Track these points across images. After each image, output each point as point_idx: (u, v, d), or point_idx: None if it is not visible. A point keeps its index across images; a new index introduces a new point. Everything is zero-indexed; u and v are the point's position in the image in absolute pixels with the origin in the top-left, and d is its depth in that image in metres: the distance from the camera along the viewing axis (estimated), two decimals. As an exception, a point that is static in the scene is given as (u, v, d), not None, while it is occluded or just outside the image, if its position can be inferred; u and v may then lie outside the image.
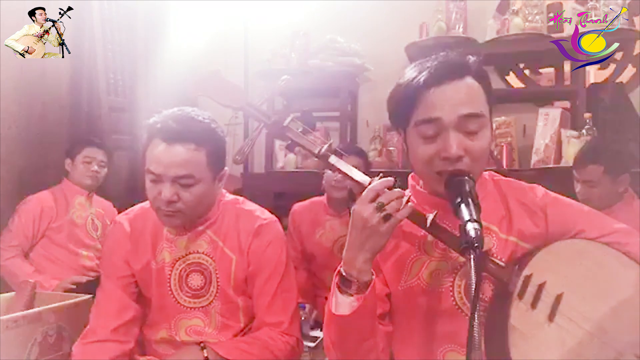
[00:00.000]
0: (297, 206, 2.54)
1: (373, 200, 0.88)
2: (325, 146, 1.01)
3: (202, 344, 1.21)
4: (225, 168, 1.30)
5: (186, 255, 1.29)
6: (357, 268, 0.90)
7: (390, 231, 0.88)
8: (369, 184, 0.95)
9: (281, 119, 1.04)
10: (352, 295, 0.90)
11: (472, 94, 0.94)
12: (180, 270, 1.29)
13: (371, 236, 0.88)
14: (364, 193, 0.90)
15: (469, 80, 0.95)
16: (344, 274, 0.91)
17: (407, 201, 0.92)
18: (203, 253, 1.29)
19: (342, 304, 0.91)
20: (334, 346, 0.96)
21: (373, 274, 0.92)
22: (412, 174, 1.10)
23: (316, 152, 1.01)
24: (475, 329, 0.71)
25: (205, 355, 1.18)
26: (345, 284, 0.91)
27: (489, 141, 0.96)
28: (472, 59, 0.98)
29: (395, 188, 0.92)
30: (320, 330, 1.89)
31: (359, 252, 0.89)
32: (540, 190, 1.06)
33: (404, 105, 0.97)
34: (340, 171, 1.00)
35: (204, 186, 1.22)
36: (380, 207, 0.87)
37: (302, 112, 1.07)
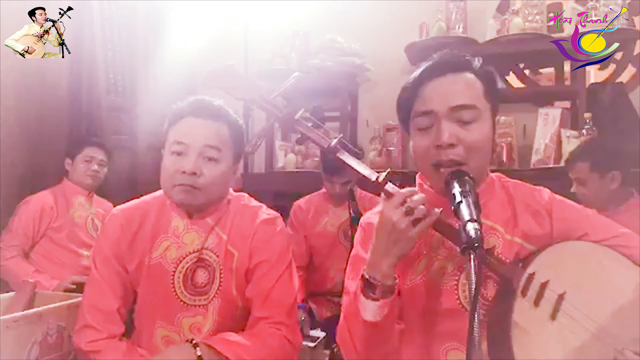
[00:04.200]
0: (298, 201, 2.60)
1: (401, 204, 0.88)
2: (335, 140, 1.02)
3: (194, 341, 1.17)
4: (240, 162, 1.36)
5: (193, 252, 1.27)
6: (381, 272, 0.90)
7: (418, 236, 0.89)
8: (376, 179, 0.97)
9: (292, 113, 1.06)
10: (377, 300, 0.91)
11: (467, 86, 0.97)
12: (187, 268, 1.26)
13: (399, 241, 0.89)
14: (392, 198, 0.90)
15: (467, 75, 0.98)
16: (367, 277, 0.91)
17: None
18: (209, 249, 1.28)
19: (368, 309, 0.92)
20: (358, 350, 0.96)
21: (396, 278, 0.92)
22: (420, 173, 1.11)
23: (326, 146, 1.02)
24: (475, 328, 0.71)
25: (199, 354, 1.14)
26: (369, 288, 0.91)
27: (485, 134, 0.97)
28: (475, 59, 1.01)
29: (394, 186, 0.94)
30: (321, 330, 1.89)
31: (385, 256, 0.90)
32: (546, 192, 1.07)
33: (404, 100, 1.02)
34: (347, 165, 1.01)
35: (224, 166, 1.27)
36: (409, 212, 0.88)
37: (313, 106, 1.08)
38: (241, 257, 1.28)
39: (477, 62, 1.01)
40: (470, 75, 0.98)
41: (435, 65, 0.99)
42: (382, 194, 0.95)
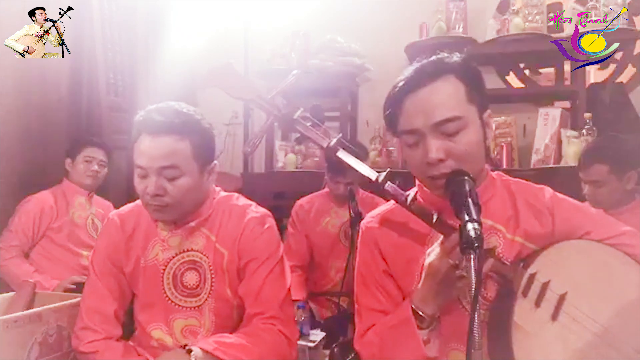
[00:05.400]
0: (301, 200, 2.58)
1: (450, 254, 0.89)
2: (334, 140, 1.02)
3: (187, 347, 1.15)
4: (215, 162, 1.30)
5: (180, 253, 1.28)
6: (431, 310, 0.95)
7: (467, 286, 0.92)
8: (376, 179, 0.97)
9: (291, 112, 1.05)
10: (423, 329, 0.96)
11: (447, 96, 0.94)
12: (175, 269, 1.28)
13: (448, 288, 0.93)
14: (440, 248, 0.91)
15: (447, 80, 0.95)
16: (419, 312, 0.95)
17: (414, 198, 0.98)
18: (197, 250, 1.28)
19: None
20: None
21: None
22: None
23: (325, 145, 1.02)
24: (475, 328, 0.71)
25: (192, 359, 1.13)
26: (417, 319, 0.96)
27: (474, 140, 0.95)
28: (453, 57, 0.98)
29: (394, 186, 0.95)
30: (321, 330, 1.89)
31: (435, 298, 0.94)
32: (548, 191, 1.06)
33: (388, 117, 1.01)
34: (347, 165, 1.01)
35: (190, 179, 1.22)
36: (458, 266, 0.90)
37: (312, 106, 1.08)
38: (231, 256, 1.28)
39: (456, 59, 0.98)
40: (450, 80, 0.95)
41: (411, 78, 0.96)
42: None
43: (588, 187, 2.01)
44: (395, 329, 0.98)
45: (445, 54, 0.99)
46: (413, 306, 0.96)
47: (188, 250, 1.29)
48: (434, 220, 0.95)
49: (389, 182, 0.99)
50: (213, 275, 1.27)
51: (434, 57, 0.99)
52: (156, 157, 1.19)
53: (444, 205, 0.96)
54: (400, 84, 0.97)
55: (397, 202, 1.01)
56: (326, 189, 2.53)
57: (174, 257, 1.28)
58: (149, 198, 1.21)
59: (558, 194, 1.06)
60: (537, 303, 0.92)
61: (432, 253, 0.93)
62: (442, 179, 0.94)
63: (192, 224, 1.29)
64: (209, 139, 1.27)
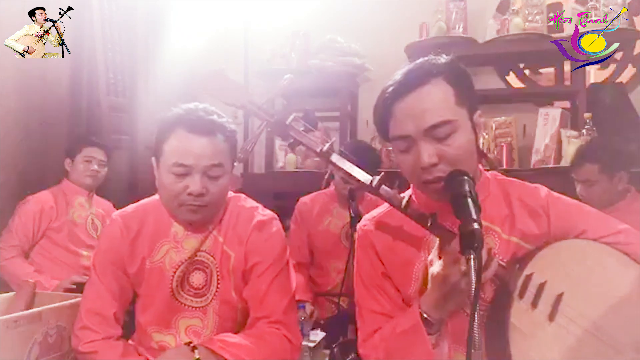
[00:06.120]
0: (304, 198, 2.56)
1: (457, 261, 0.88)
2: (327, 145, 1.01)
3: (192, 344, 1.16)
4: (235, 163, 1.32)
5: (193, 255, 1.28)
6: (442, 316, 0.94)
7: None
8: (370, 182, 0.96)
9: (283, 118, 1.05)
10: (432, 335, 0.95)
11: (437, 100, 0.94)
12: (184, 271, 1.27)
13: (458, 295, 0.91)
14: (446, 256, 0.90)
15: (436, 83, 0.94)
16: (428, 318, 0.94)
17: (409, 200, 0.97)
18: (205, 251, 1.28)
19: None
20: None
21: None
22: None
23: (318, 150, 1.01)
24: (475, 329, 0.71)
25: (197, 356, 1.14)
26: (426, 325, 0.95)
27: (466, 142, 0.95)
28: (440, 59, 0.98)
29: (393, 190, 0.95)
30: (321, 330, 1.89)
31: (446, 305, 0.93)
32: (543, 190, 1.06)
33: (379, 123, 1.01)
34: (341, 169, 1.01)
35: (228, 178, 1.25)
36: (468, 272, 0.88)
37: (305, 111, 1.08)
38: (237, 258, 1.28)
39: (443, 61, 0.97)
40: (438, 83, 0.94)
41: (399, 83, 0.96)
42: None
43: (580, 186, 2.05)
44: (404, 335, 0.97)
45: (432, 56, 0.99)
46: (421, 311, 0.95)
47: (199, 251, 1.28)
48: (429, 224, 0.95)
49: (383, 186, 0.99)
50: (219, 277, 1.27)
51: (421, 60, 0.99)
52: (204, 155, 1.19)
53: (439, 208, 0.96)
54: (389, 89, 0.97)
55: (391, 205, 1.00)
56: (331, 188, 2.52)
57: (187, 259, 1.27)
58: (189, 198, 1.19)
59: (554, 193, 1.06)
60: (534, 304, 0.92)
61: (435, 262, 0.92)
62: (436, 182, 0.94)
63: (210, 226, 1.29)
64: (237, 143, 1.29)
